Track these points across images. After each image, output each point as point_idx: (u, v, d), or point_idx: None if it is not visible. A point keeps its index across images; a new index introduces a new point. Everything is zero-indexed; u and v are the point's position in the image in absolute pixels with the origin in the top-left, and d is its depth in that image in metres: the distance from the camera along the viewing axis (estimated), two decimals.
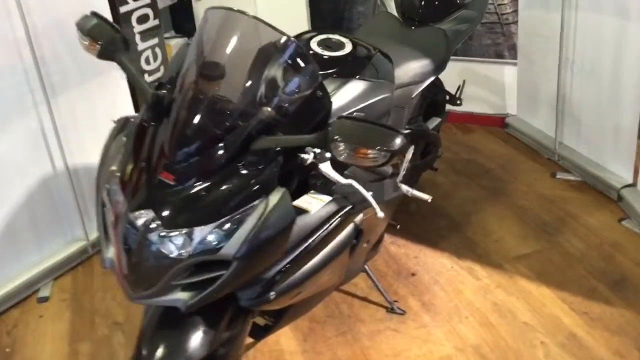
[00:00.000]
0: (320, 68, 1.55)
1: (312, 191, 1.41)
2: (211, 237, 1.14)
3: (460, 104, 2.48)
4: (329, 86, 1.51)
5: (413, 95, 2.07)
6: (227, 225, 1.15)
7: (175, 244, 1.14)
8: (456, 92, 2.50)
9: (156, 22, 2.97)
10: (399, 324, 2.10)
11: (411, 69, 2.02)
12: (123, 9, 2.75)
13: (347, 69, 1.56)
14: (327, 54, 1.59)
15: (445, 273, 2.33)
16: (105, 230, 1.27)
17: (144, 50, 2.94)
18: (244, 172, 1.19)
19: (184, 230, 1.14)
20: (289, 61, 1.28)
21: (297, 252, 1.30)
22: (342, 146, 1.11)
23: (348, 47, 1.63)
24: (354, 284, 2.29)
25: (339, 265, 1.49)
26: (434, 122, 2.49)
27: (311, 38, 1.64)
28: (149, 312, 1.36)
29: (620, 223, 2.52)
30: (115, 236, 1.19)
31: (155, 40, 3.00)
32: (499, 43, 3.33)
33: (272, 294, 1.28)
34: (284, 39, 1.27)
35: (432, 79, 2.11)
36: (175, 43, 3.37)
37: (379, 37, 2.19)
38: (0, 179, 2.22)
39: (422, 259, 2.43)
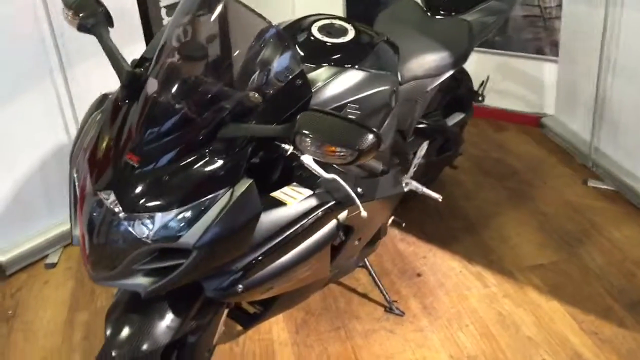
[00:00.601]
0: (317, 55, 1.49)
1: (294, 183, 1.35)
2: (173, 224, 1.10)
3: (482, 101, 2.36)
4: (324, 74, 1.44)
5: (428, 89, 1.96)
6: (189, 213, 1.11)
7: (135, 229, 1.10)
8: (479, 88, 2.36)
9: None
10: (395, 325, 2.02)
11: (427, 61, 1.92)
12: None
13: (345, 57, 1.48)
14: (327, 40, 1.51)
15: (452, 276, 2.23)
16: (75, 208, 1.24)
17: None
18: (211, 159, 1.14)
19: (145, 215, 1.10)
20: (268, 47, 1.21)
21: (269, 246, 1.25)
22: (307, 141, 1.04)
23: (350, 34, 1.54)
24: (356, 279, 2.23)
25: (320, 261, 1.43)
26: (455, 118, 2.38)
27: (313, 22, 1.56)
28: (119, 292, 1.34)
29: None
30: (80, 215, 1.17)
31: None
32: (540, 38, 3.15)
33: (240, 287, 1.23)
34: (264, 23, 1.21)
35: (449, 72, 2.00)
36: None
37: (397, 25, 2.10)
38: (16, 146, 2.25)
39: (431, 259, 2.33)
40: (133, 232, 1.11)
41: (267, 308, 1.67)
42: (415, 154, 2.10)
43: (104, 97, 1.34)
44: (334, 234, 1.38)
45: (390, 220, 2.08)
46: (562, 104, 3.18)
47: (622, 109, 2.66)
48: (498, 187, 2.79)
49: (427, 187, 2.47)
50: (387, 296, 2.09)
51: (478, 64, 3.32)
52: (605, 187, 2.70)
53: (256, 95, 1.18)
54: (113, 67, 1.27)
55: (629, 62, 2.56)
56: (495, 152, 3.10)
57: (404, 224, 2.18)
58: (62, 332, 2.05)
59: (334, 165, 1.41)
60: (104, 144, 1.19)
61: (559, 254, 2.32)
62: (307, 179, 1.34)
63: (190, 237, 1.10)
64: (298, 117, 1.05)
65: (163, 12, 2.89)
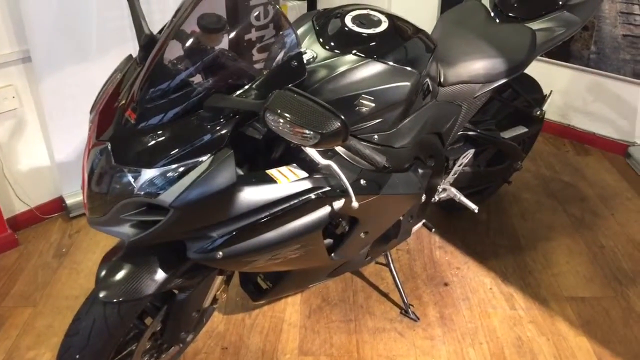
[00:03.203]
0: (344, 43, 1.50)
1: (294, 164, 1.38)
2: (155, 181, 1.18)
3: (540, 116, 2.22)
4: (344, 62, 1.45)
5: (476, 95, 1.90)
6: (171, 174, 1.18)
7: (122, 180, 1.19)
8: (540, 103, 2.23)
9: None
10: (407, 328, 1.99)
11: (477, 66, 1.85)
12: None
13: (371, 48, 1.47)
14: (356, 29, 1.51)
15: (480, 292, 2.15)
16: None
17: (255, 7, 3.03)
18: (198, 126, 1.21)
19: (133, 169, 1.19)
20: (269, 25, 1.25)
21: (253, 219, 1.29)
22: (273, 118, 1.07)
23: (382, 27, 1.53)
24: (381, 278, 2.22)
25: (312, 245, 1.45)
26: (515, 132, 2.27)
27: (350, 11, 1.57)
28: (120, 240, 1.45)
29: None
30: (86, 162, 1.28)
31: None
32: (638, 61, 2.90)
33: (220, 254, 1.28)
34: (264, 3, 1.24)
35: (502, 81, 1.91)
36: (292, 5, 3.43)
37: (456, 26, 2.04)
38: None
39: (464, 271, 2.26)
40: (120, 183, 1.19)
41: (274, 286, 1.72)
42: (456, 160, 2.04)
43: (130, 57, 1.44)
44: (325, 220, 1.39)
45: (419, 224, 2.05)
46: None
47: None
48: (559, 210, 2.63)
49: (480, 200, 2.41)
50: (405, 299, 2.06)
51: (569, 81, 3.15)
52: None
53: (249, 72, 1.22)
54: (135, 29, 1.37)
55: None
56: (569, 175, 2.92)
57: (433, 229, 2.13)
58: None
59: (340, 153, 1.42)
60: (114, 100, 1.30)
61: (605, 291, 2.15)
62: (308, 162, 1.36)
63: (168, 195, 1.17)
64: (271, 94, 1.08)
65: None
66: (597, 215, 2.60)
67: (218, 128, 1.21)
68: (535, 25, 2.02)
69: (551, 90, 2.28)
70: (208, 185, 1.18)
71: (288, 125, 1.07)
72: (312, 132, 1.05)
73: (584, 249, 2.38)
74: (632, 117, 3.02)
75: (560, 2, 2.05)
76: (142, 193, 1.19)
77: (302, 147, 1.27)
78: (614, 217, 2.58)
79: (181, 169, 1.19)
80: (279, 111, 1.06)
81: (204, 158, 1.19)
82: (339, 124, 1.05)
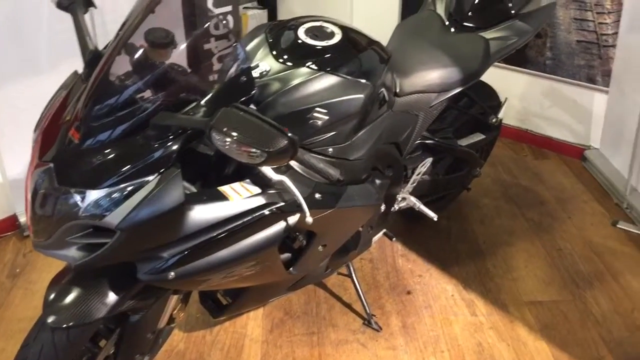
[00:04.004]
0: (296, 56, 1.49)
1: (247, 180, 1.36)
2: (101, 203, 1.14)
3: (495, 123, 2.25)
4: (297, 76, 1.44)
5: (432, 104, 1.91)
6: (117, 194, 1.15)
7: (67, 202, 1.16)
8: (495, 110, 2.26)
9: None
10: (369, 339, 1.99)
11: (432, 76, 1.87)
12: None
13: (324, 61, 1.47)
14: (309, 42, 1.51)
15: (442, 299, 2.16)
16: None
17: (215, 16, 3.00)
18: (144, 144, 1.18)
19: (77, 190, 1.15)
20: (217, 40, 1.23)
21: (205, 238, 1.26)
22: (219, 137, 1.06)
23: (336, 39, 1.53)
24: (344, 288, 2.21)
25: (269, 261, 1.43)
26: (472, 139, 2.30)
27: (303, 24, 1.56)
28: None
29: None
30: (28, 183, 1.24)
31: (229, 8, 3.04)
32: (593, 66, 2.97)
33: (172, 274, 1.26)
34: (214, 16, 1.23)
35: (457, 90, 1.93)
36: (252, 14, 3.41)
37: (412, 36, 2.05)
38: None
39: (426, 279, 2.27)
40: (65, 205, 1.16)
41: (234, 301, 1.69)
42: (415, 169, 2.05)
43: (75, 73, 1.40)
44: (280, 235, 1.37)
45: (380, 234, 2.05)
46: (607, 138, 3.00)
47: None
48: (518, 215, 2.67)
49: (440, 207, 2.43)
50: (367, 309, 2.05)
51: (526, 87, 3.21)
52: (635, 231, 2.52)
53: (196, 87, 1.20)
54: (80, 46, 1.33)
55: None
56: (527, 179, 2.96)
57: (394, 239, 2.14)
58: None
59: (294, 167, 1.41)
60: (58, 118, 1.26)
61: (562, 294, 2.19)
62: (261, 178, 1.35)
63: (114, 217, 1.14)
64: (217, 112, 1.07)
65: (210, 2, 2.97)
66: (554, 218, 2.64)
67: (165, 146, 1.19)
68: (489, 35, 2.04)
69: (506, 98, 2.31)
70: (155, 205, 1.15)
71: (234, 145, 1.06)
72: (258, 151, 1.04)
73: (542, 252, 2.42)
74: (587, 121, 3.09)
75: (513, 12, 2.08)
76: (87, 215, 1.16)
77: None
78: (571, 220, 2.63)
79: (127, 190, 1.16)
80: (224, 130, 1.05)
81: (150, 177, 1.16)
82: (286, 141, 1.03)
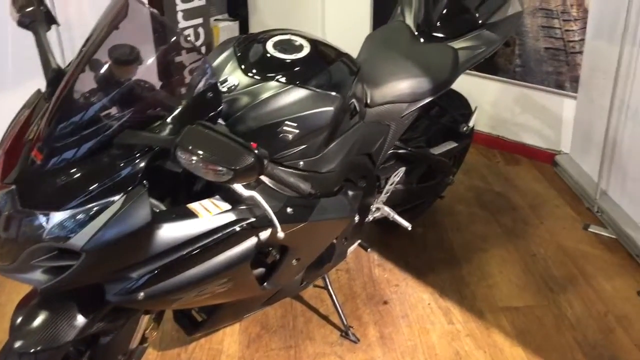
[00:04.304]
0: (265, 69, 1.49)
1: (216, 196, 1.34)
2: (65, 225, 1.12)
3: (467, 132, 2.27)
4: (266, 90, 1.44)
5: (403, 114, 1.92)
6: (82, 216, 1.12)
7: (30, 225, 1.13)
8: (466, 119, 2.29)
9: (202, 2, 3.01)
10: (347, 351, 1.98)
11: (402, 86, 1.88)
12: None
13: (293, 74, 1.46)
14: (278, 55, 1.50)
15: (419, 309, 2.16)
16: None
17: (185, 29, 2.99)
18: (108, 164, 1.16)
19: (41, 212, 1.12)
20: (181, 57, 1.22)
21: (175, 256, 1.24)
22: (185, 155, 1.04)
23: (304, 52, 1.53)
24: (321, 300, 2.20)
25: (241, 278, 1.42)
26: (444, 147, 2.31)
27: (271, 37, 1.56)
28: None
29: (639, 296, 2.20)
30: None
31: (199, 21, 3.05)
32: (561, 72, 3.02)
33: (142, 294, 1.23)
34: (175, 33, 1.21)
35: (427, 99, 1.95)
36: (224, 26, 3.40)
37: (381, 47, 2.06)
38: None
39: (402, 288, 2.27)
40: (28, 227, 1.13)
41: (209, 318, 1.67)
42: (388, 179, 2.06)
43: (39, 92, 1.38)
44: (252, 251, 1.36)
45: (355, 244, 2.05)
46: (577, 143, 3.05)
47: (631, 154, 2.52)
48: (492, 221, 2.69)
49: (415, 216, 2.44)
50: (345, 320, 2.04)
51: (497, 94, 3.25)
52: (606, 234, 2.56)
53: (163, 104, 1.18)
54: (42, 64, 1.31)
55: None
56: (500, 185, 3.00)
57: (369, 249, 2.14)
58: None
59: (265, 181, 1.40)
60: (21, 138, 1.23)
61: (537, 299, 2.21)
62: (231, 193, 1.33)
63: (79, 239, 1.11)
64: (182, 130, 1.05)
65: (180, 15, 2.97)
66: (527, 224, 2.67)
67: (131, 165, 1.17)
68: (457, 44, 2.06)
69: (476, 106, 2.33)
70: (121, 225, 1.13)
71: (200, 163, 1.04)
72: (224, 169, 1.02)
73: (516, 258, 2.44)
74: (557, 126, 3.14)
75: (480, 22, 2.10)
76: (52, 237, 1.13)
77: None
78: (544, 225, 2.66)
79: (93, 210, 1.13)
80: (190, 148, 1.03)
81: (116, 197, 1.14)
82: (252, 158, 1.02)
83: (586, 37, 2.85)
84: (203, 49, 3.08)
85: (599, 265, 2.38)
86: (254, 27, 3.69)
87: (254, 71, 1.47)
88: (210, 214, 1.28)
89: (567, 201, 2.85)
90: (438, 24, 2.12)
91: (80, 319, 1.29)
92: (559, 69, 3.04)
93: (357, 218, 1.89)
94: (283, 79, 1.45)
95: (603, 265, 2.39)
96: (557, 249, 2.49)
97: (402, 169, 2.08)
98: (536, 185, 3.00)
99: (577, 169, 2.99)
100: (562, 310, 2.15)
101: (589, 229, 2.60)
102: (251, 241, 1.36)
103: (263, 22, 3.75)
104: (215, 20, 3.34)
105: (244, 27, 3.59)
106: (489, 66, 3.18)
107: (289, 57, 1.51)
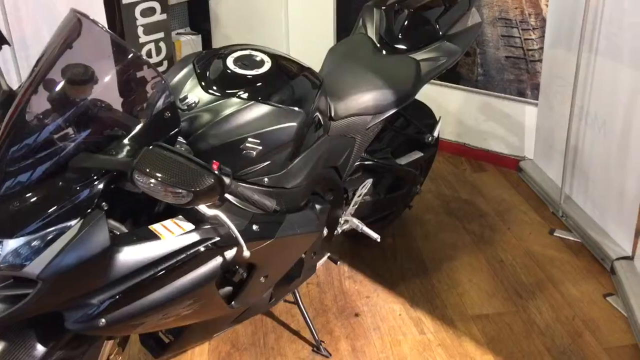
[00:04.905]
0: (226, 86, 1.47)
1: (179, 216, 1.31)
2: (20, 252, 1.08)
3: (431, 142, 2.29)
4: (227, 106, 1.42)
5: (368, 126, 1.92)
6: (37, 242, 1.08)
7: None
8: (430, 129, 2.30)
9: (163, 16, 2.97)
10: None
11: (366, 98, 1.88)
12: (126, 0, 2.76)
13: (254, 90, 1.45)
14: (239, 71, 1.48)
15: (390, 320, 2.16)
16: None
17: (146, 44, 2.95)
18: (63, 188, 1.12)
19: None
20: (135, 76, 1.19)
21: (137, 280, 1.21)
22: (142, 178, 1.01)
23: (265, 67, 1.51)
24: (291, 315, 2.17)
25: (207, 298, 1.39)
26: (410, 157, 2.32)
27: (231, 53, 1.54)
28: None
29: (605, 299, 2.24)
30: None
31: (161, 35, 3.01)
32: (522, 80, 3.08)
33: (103, 321, 1.19)
34: (130, 53, 1.19)
35: (391, 111, 1.95)
36: (185, 39, 3.37)
37: (344, 60, 2.06)
38: None
39: (373, 300, 2.26)
40: None
41: (176, 339, 1.62)
42: (356, 191, 2.05)
43: None
44: (217, 271, 1.33)
45: (324, 258, 2.03)
46: (540, 149, 3.10)
47: (592, 159, 2.57)
48: (460, 229, 2.71)
49: (383, 226, 2.44)
50: (316, 335, 2.02)
51: (461, 103, 3.29)
52: (571, 238, 2.60)
53: (120, 124, 1.14)
54: None
55: (600, 112, 2.47)
56: (467, 193, 3.02)
57: (339, 262, 2.13)
58: None
59: (229, 199, 1.37)
60: None
61: (506, 306, 2.22)
62: (194, 213, 1.30)
63: (34, 267, 1.07)
64: (139, 152, 1.03)
65: (140, 30, 2.92)
66: (495, 230, 2.70)
67: (88, 188, 1.13)
68: (419, 56, 2.08)
69: (440, 116, 2.35)
70: (79, 251, 1.09)
71: (159, 186, 1.02)
72: (184, 191, 1.00)
73: (484, 265, 2.46)
74: (520, 133, 3.19)
75: (441, 33, 2.13)
76: (6, 265, 1.08)
77: None
78: (511, 231, 2.69)
79: (49, 236, 1.09)
80: (147, 171, 1.00)
81: (73, 222, 1.10)
82: (212, 179, 1.00)
83: (545, 46, 2.91)
84: (165, 64, 3.04)
85: (566, 269, 2.42)
86: (218, 41, 3.67)
87: (215, 88, 1.45)
88: (172, 234, 1.25)
89: (533, 206, 2.89)
90: (400, 36, 2.13)
91: (40, 349, 1.25)
92: (520, 77, 3.09)
93: (325, 231, 1.88)
94: (244, 95, 1.43)
95: (569, 269, 2.42)
96: (525, 255, 2.52)
97: (370, 181, 2.08)
98: (502, 191, 3.04)
99: (541, 174, 3.04)
100: (531, 316, 2.17)
101: (555, 234, 2.64)
102: (216, 261, 1.33)
103: (227, 35, 3.72)
104: (178, 34, 3.30)
105: (206, 41, 3.55)
106: (452, 76, 3.22)
107: (250, 72, 1.49)
